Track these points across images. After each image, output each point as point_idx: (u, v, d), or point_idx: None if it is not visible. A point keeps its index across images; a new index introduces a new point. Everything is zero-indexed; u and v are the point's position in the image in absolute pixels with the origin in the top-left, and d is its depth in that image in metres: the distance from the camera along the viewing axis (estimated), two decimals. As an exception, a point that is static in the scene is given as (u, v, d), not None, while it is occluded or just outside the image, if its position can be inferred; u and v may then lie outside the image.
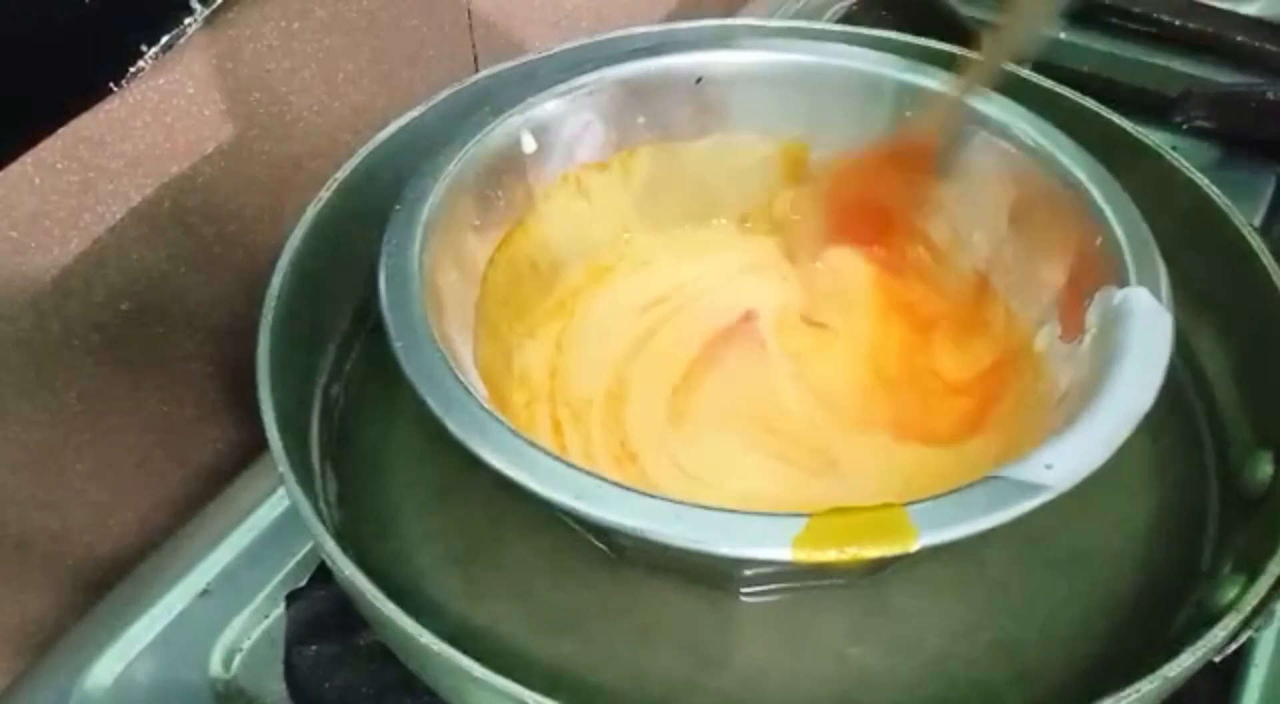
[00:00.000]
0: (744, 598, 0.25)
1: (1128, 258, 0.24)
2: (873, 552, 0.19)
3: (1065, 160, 0.27)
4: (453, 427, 0.21)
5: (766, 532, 0.19)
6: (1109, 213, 0.26)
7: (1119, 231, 0.25)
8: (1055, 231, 0.27)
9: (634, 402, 0.28)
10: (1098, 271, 0.25)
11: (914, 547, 0.19)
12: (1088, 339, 0.24)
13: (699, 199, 0.32)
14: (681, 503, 0.20)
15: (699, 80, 0.30)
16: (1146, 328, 0.23)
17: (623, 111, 0.30)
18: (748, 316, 0.30)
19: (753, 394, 0.29)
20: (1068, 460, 0.20)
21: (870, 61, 0.30)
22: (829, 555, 0.19)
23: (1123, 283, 0.24)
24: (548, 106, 0.29)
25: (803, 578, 0.25)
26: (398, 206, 0.26)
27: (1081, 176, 0.27)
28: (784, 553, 0.19)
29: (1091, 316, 0.24)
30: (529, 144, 0.29)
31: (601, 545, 0.26)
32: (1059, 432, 0.21)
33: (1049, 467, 0.20)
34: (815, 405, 0.28)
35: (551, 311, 0.30)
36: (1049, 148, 0.28)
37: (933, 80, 0.30)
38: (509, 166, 0.29)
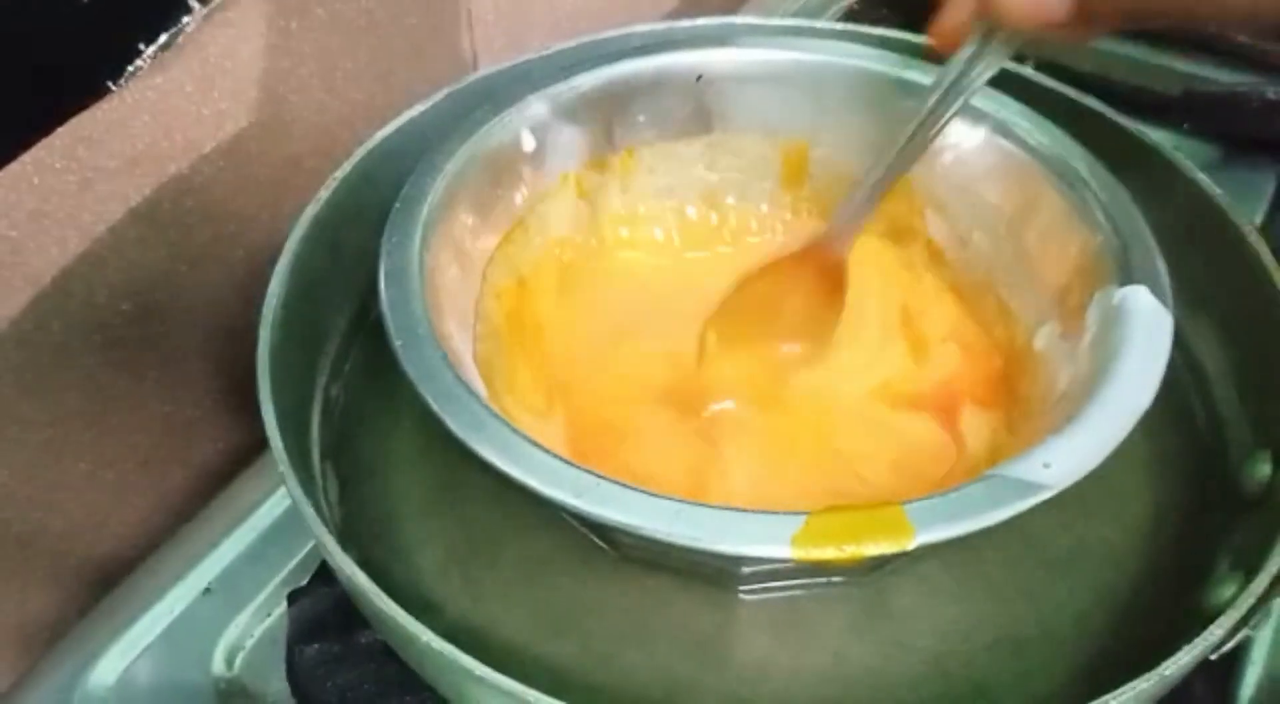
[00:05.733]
0: (744, 596, 0.25)
1: (1128, 257, 0.25)
2: (871, 549, 0.19)
3: (1065, 159, 0.27)
4: (453, 425, 0.21)
5: (765, 529, 0.19)
6: (1109, 212, 0.26)
7: (1119, 231, 0.25)
8: (1055, 231, 0.27)
9: (636, 400, 0.28)
10: (1098, 271, 0.25)
11: (911, 545, 0.19)
12: (1087, 338, 0.24)
13: (699, 198, 0.32)
14: (681, 501, 0.20)
15: (699, 79, 0.30)
16: (1146, 327, 0.23)
17: (622, 110, 0.30)
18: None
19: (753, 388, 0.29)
20: (1066, 459, 0.20)
21: (871, 60, 0.30)
22: (827, 553, 0.19)
23: (1123, 282, 0.24)
24: (547, 105, 0.29)
25: (802, 576, 0.25)
26: (398, 205, 0.26)
27: (1082, 175, 0.27)
28: (783, 551, 0.19)
29: (1091, 316, 0.25)
30: (529, 143, 0.29)
31: (602, 543, 0.26)
32: (1058, 430, 0.21)
33: (1047, 465, 0.20)
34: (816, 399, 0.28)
35: (552, 309, 0.30)
36: (1049, 147, 0.28)
37: (933, 79, 0.30)
38: (509, 165, 0.29)
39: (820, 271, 0.28)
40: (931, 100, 0.25)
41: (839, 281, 0.28)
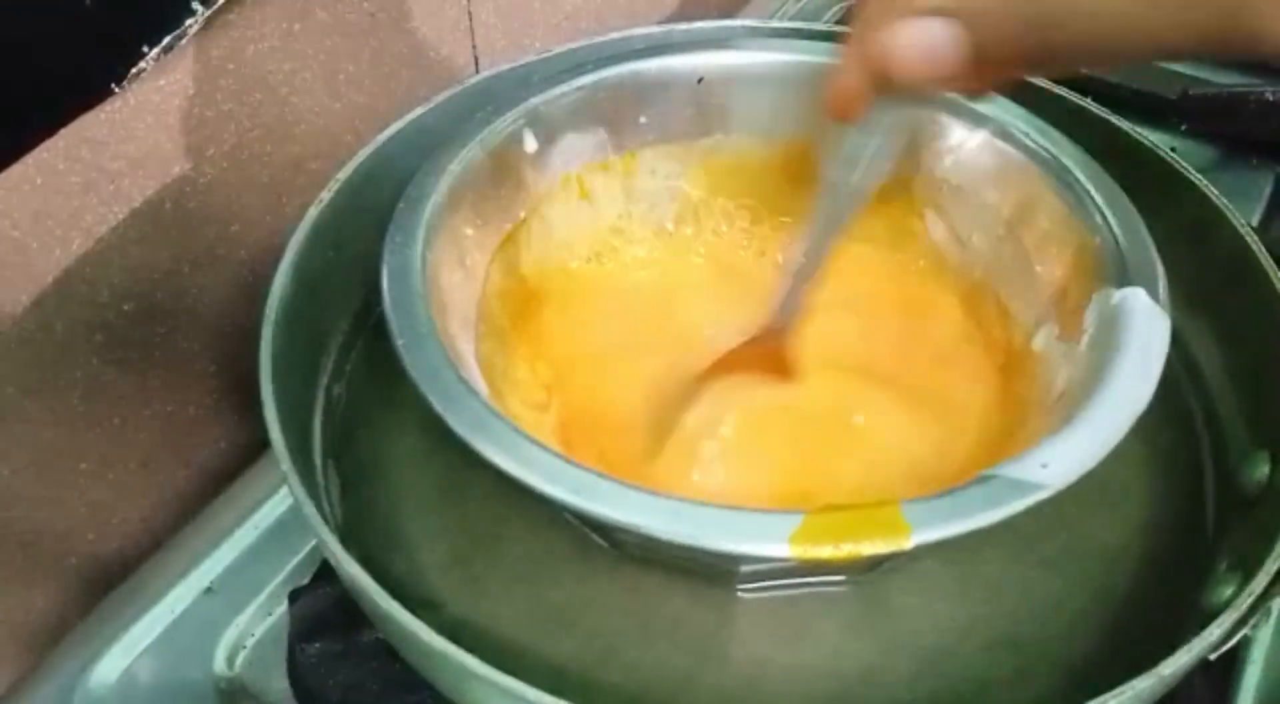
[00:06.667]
0: (742, 594, 0.25)
1: (1126, 258, 0.25)
2: (868, 549, 0.19)
3: (1064, 161, 0.27)
4: (454, 424, 0.21)
5: (763, 528, 0.20)
6: (1107, 214, 0.26)
7: (1117, 232, 0.25)
8: (1054, 232, 0.27)
9: (634, 400, 0.28)
10: (1096, 272, 0.25)
11: (909, 544, 0.19)
12: (1085, 339, 0.24)
13: (699, 200, 0.32)
14: (680, 499, 0.20)
15: (700, 81, 0.30)
16: (1144, 328, 0.23)
17: (623, 112, 0.30)
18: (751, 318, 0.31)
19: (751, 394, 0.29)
20: (1064, 459, 0.20)
21: (869, 62, 0.30)
22: (825, 552, 0.19)
23: (1121, 283, 0.24)
24: (549, 107, 0.29)
25: (800, 575, 0.25)
26: (401, 205, 0.26)
27: (1080, 177, 0.27)
28: (781, 549, 0.19)
29: (1089, 317, 0.25)
30: (530, 144, 0.29)
31: (602, 542, 0.26)
32: (1055, 430, 0.21)
33: (1045, 465, 0.20)
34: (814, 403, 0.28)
35: (553, 310, 0.30)
36: (1048, 149, 0.28)
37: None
38: (511, 166, 0.29)
39: (771, 357, 0.27)
40: (855, 176, 0.23)
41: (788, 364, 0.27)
